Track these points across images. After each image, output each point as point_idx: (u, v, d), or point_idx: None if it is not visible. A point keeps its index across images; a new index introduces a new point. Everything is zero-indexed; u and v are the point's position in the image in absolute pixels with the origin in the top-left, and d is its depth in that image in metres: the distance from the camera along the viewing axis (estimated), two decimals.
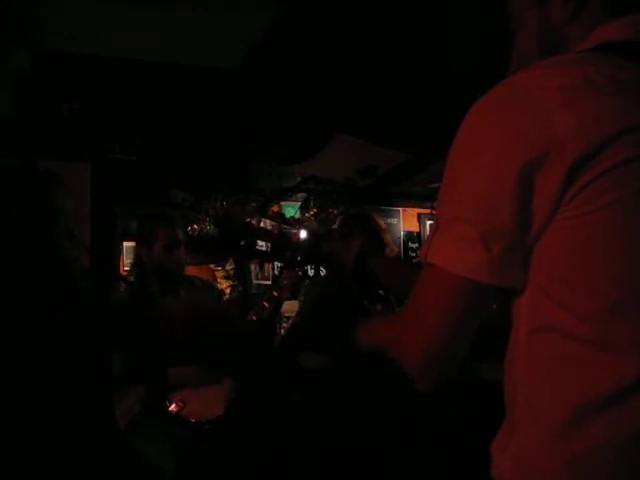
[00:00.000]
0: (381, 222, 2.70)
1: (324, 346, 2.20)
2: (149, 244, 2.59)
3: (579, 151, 0.67)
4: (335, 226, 2.51)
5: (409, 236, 5.09)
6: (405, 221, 5.09)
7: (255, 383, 2.36)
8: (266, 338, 2.57)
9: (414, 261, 4.56)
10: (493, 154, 0.72)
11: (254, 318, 2.47)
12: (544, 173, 0.69)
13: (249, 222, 2.03)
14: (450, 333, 0.76)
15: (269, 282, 4.39)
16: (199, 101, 3.17)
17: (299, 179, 4.41)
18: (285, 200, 4.60)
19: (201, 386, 2.34)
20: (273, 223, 2.01)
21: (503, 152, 0.71)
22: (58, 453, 1.31)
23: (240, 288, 4.20)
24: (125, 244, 3.93)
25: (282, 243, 1.64)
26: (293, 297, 2.60)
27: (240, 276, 4.24)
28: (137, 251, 2.69)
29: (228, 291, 4.11)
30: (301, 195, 4.53)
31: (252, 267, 4.40)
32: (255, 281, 4.47)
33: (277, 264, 4.30)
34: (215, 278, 4.14)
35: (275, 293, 2.52)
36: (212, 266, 4.20)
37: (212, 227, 3.55)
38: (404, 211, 5.08)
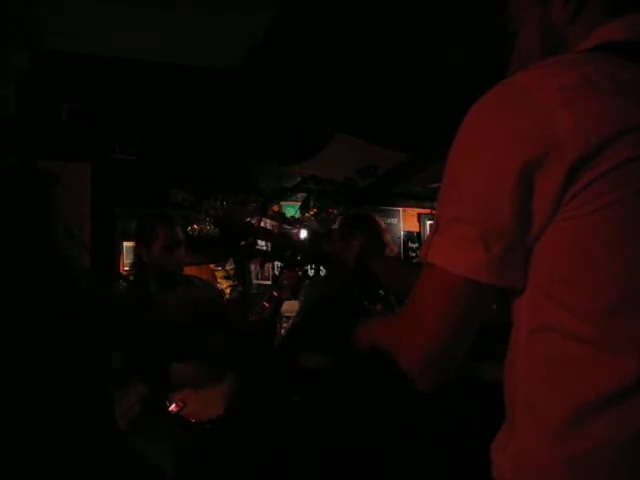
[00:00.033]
0: (381, 222, 2.70)
1: (324, 346, 2.20)
2: (149, 244, 2.59)
3: (579, 151, 0.67)
4: (335, 226, 2.50)
5: (409, 236, 5.09)
6: (405, 221, 5.10)
7: (255, 383, 2.36)
8: (266, 338, 2.57)
9: (414, 261, 4.56)
10: (493, 154, 0.72)
11: (254, 318, 2.47)
12: (544, 173, 0.69)
13: (249, 222, 2.03)
14: (450, 333, 0.76)
15: (269, 282, 4.39)
16: (199, 101, 3.17)
17: (299, 179, 4.42)
18: (285, 200, 4.60)
19: (201, 386, 2.34)
20: (273, 223, 2.01)
21: (503, 152, 0.71)
22: (58, 453, 1.31)
23: (240, 288, 4.20)
24: (125, 244, 3.93)
25: (282, 243, 1.64)
26: (293, 297, 2.60)
27: (240, 276, 4.24)
28: (137, 251, 2.69)
29: (228, 291, 4.11)
30: (301, 195, 4.53)
31: (252, 267, 4.40)
32: (255, 281, 4.47)
33: (277, 264, 4.30)
34: (215, 278, 4.14)
35: (275, 293, 2.52)
36: (212, 266, 4.20)
37: (212, 227, 3.56)
38: (404, 211, 5.08)
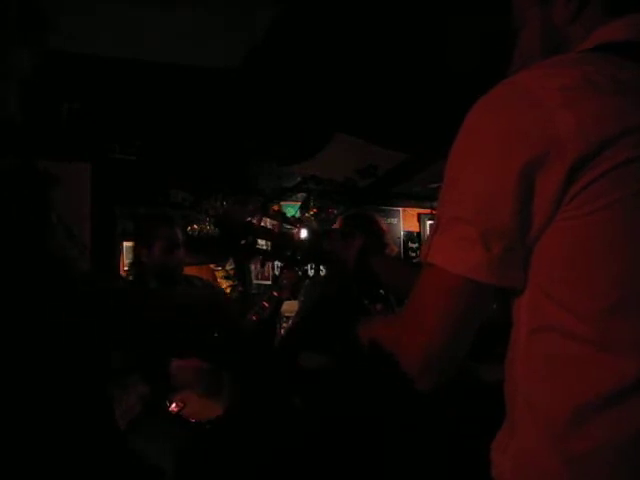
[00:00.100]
0: (382, 222, 2.70)
1: (324, 346, 2.20)
2: (149, 244, 2.59)
3: (579, 151, 0.67)
4: (335, 226, 2.50)
5: (409, 236, 5.09)
6: (405, 221, 5.10)
7: (255, 383, 2.36)
8: (266, 338, 2.57)
9: (414, 261, 4.56)
10: (494, 154, 0.72)
11: (254, 318, 2.47)
12: (545, 173, 0.69)
13: (250, 221, 2.02)
14: (450, 333, 0.76)
15: (269, 282, 4.39)
16: (199, 101, 3.17)
17: (299, 179, 4.42)
18: (285, 200, 4.60)
19: (202, 390, 2.34)
20: (274, 222, 2.01)
21: (504, 152, 0.71)
22: (58, 453, 1.31)
23: (240, 288, 4.20)
24: (125, 244, 3.93)
25: (282, 242, 1.64)
26: (293, 297, 2.60)
27: (240, 276, 4.24)
28: (136, 251, 2.69)
29: (228, 291, 4.11)
30: (301, 195, 4.53)
31: (252, 267, 4.40)
32: (255, 281, 4.47)
33: (277, 264, 4.30)
34: (215, 278, 4.14)
35: (275, 293, 2.52)
36: (212, 266, 4.20)
37: (212, 227, 3.56)
38: (404, 211, 5.08)
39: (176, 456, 2.10)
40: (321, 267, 2.29)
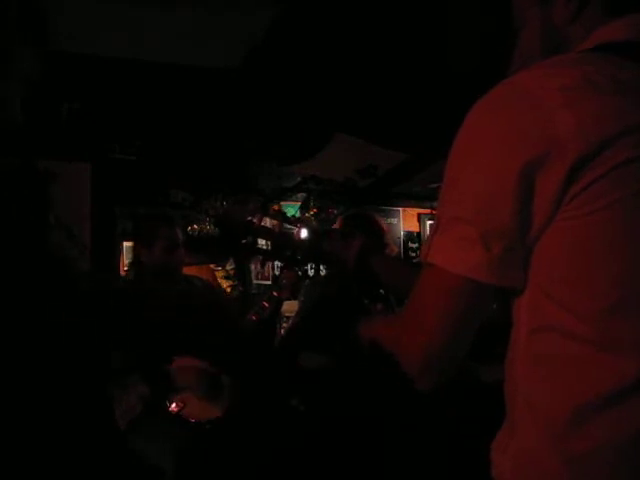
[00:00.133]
0: (382, 222, 2.70)
1: (324, 346, 2.20)
2: (149, 244, 2.59)
3: (579, 151, 0.67)
4: (335, 226, 2.50)
5: (409, 236, 5.09)
6: (405, 221, 5.10)
7: (255, 383, 2.36)
8: (266, 338, 2.57)
9: (414, 261, 4.56)
10: (494, 154, 0.72)
11: (254, 318, 2.47)
12: (545, 173, 0.69)
13: (250, 220, 2.02)
14: (450, 333, 0.76)
15: (269, 282, 4.39)
16: (199, 101, 3.17)
17: (299, 179, 4.42)
18: (285, 200, 4.60)
19: (203, 391, 2.34)
20: (274, 222, 2.01)
21: (504, 152, 0.71)
22: (58, 453, 1.31)
23: (240, 288, 4.20)
24: (125, 244, 3.93)
25: (283, 241, 1.64)
26: (293, 297, 2.60)
27: (240, 276, 4.24)
28: (136, 251, 2.69)
29: (228, 291, 4.11)
30: (301, 195, 4.53)
31: (252, 267, 4.40)
32: (255, 281, 4.47)
33: (277, 264, 4.31)
34: (215, 278, 4.14)
35: (275, 293, 2.52)
36: (212, 266, 4.20)
37: (212, 227, 3.56)
38: (404, 211, 5.08)
39: (176, 456, 2.10)
40: (321, 267, 2.28)
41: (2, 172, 1.18)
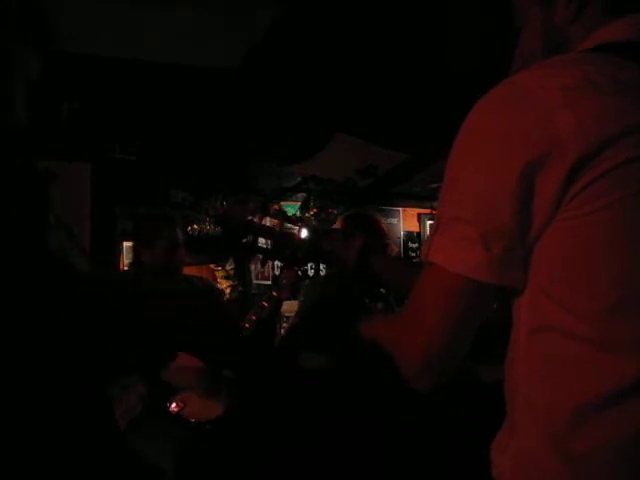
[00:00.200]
0: (382, 222, 2.70)
1: (324, 346, 2.20)
2: (149, 244, 2.59)
3: (580, 151, 0.67)
4: (336, 226, 2.50)
5: (409, 236, 5.09)
6: (405, 221, 5.09)
7: (255, 383, 2.36)
8: (266, 338, 2.57)
9: (414, 261, 4.56)
10: (494, 154, 0.72)
11: (254, 318, 2.47)
12: (545, 173, 0.69)
13: (251, 219, 2.02)
14: (450, 333, 0.76)
15: (269, 282, 4.39)
16: (199, 101, 3.17)
17: (299, 179, 4.42)
18: (285, 200, 4.60)
19: (203, 390, 2.34)
20: (274, 221, 2.01)
21: (504, 152, 0.71)
22: (58, 453, 1.31)
23: (240, 288, 4.20)
24: (125, 244, 3.93)
25: (283, 241, 1.64)
26: (293, 297, 2.60)
27: (240, 276, 4.23)
28: (136, 251, 2.69)
29: (228, 291, 4.11)
30: (301, 195, 4.53)
31: (252, 267, 4.40)
32: (255, 281, 4.47)
33: (277, 264, 4.30)
34: (215, 278, 4.14)
35: (275, 293, 2.52)
36: (212, 266, 4.20)
37: (212, 227, 3.56)
38: (404, 211, 5.08)
39: (176, 456, 2.10)
40: (321, 267, 2.28)
41: (2, 172, 1.18)
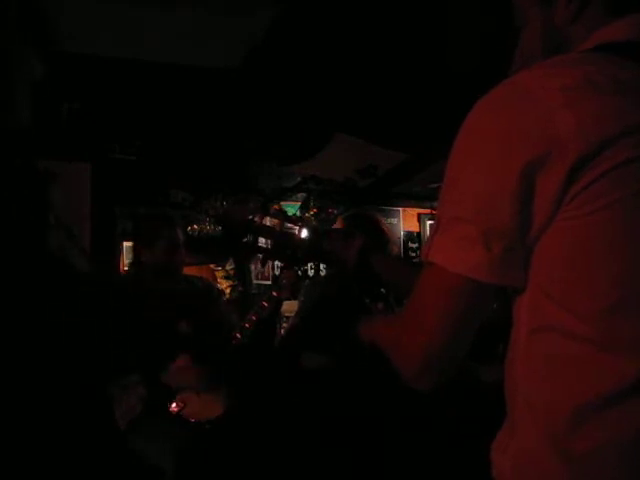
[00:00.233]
0: (383, 223, 2.70)
1: (324, 346, 2.20)
2: (149, 244, 2.59)
3: (580, 151, 0.67)
4: (336, 226, 2.50)
5: (409, 236, 5.09)
6: (405, 221, 5.09)
7: (255, 383, 2.36)
8: (266, 338, 2.57)
9: (414, 261, 4.57)
10: (494, 154, 0.72)
11: (254, 318, 2.47)
12: (545, 173, 0.69)
13: (251, 219, 2.02)
14: (450, 333, 0.76)
15: (269, 282, 4.39)
16: (199, 101, 3.17)
17: (299, 179, 4.41)
18: (285, 200, 4.60)
19: (202, 390, 2.34)
20: (275, 221, 2.01)
21: (504, 152, 0.71)
22: (58, 453, 1.31)
23: (240, 288, 4.20)
24: (125, 244, 3.93)
25: (284, 240, 1.64)
26: (293, 297, 2.60)
27: (240, 276, 4.23)
28: (136, 251, 2.69)
29: (228, 291, 4.11)
30: (301, 195, 4.53)
31: (252, 267, 4.40)
32: (255, 281, 4.47)
33: (277, 264, 4.30)
34: (215, 278, 4.14)
35: (275, 293, 2.52)
36: (212, 266, 4.20)
37: (212, 227, 3.56)
38: (404, 211, 5.08)
39: (176, 456, 2.10)
40: (321, 267, 2.28)
41: (2, 172, 1.18)
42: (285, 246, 1.62)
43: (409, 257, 4.95)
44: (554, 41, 0.84)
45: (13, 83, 1.20)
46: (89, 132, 3.52)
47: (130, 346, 2.19)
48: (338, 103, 3.12)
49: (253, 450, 2.08)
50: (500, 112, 0.73)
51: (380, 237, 2.54)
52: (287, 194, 4.58)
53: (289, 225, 1.96)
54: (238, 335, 2.43)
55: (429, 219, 5.02)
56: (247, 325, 2.45)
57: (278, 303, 2.56)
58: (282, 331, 3.17)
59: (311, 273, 2.58)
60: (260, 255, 3.39)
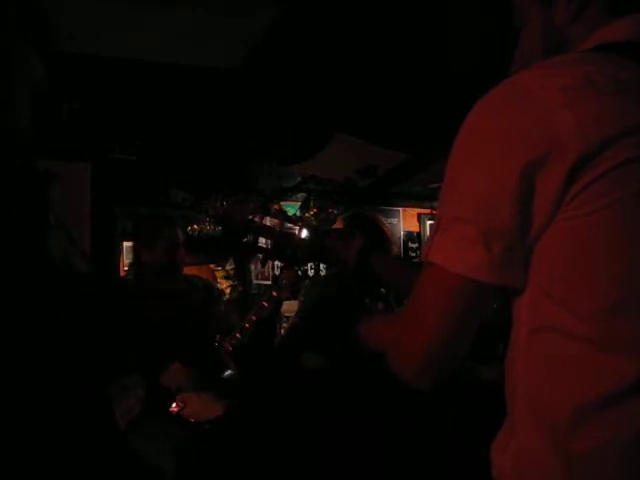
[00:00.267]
0: (384, 223, 2.70)
1: (324, 346, 2.20)
2: (150, 244, 2.59)
3: (580, 151, 0.67)
4: (336, 226, 2.51)
5: (409, 236, 5.09)
6: (405, 221, 5.09)
7: (255, 383, 2.36)
8: (266, 338, 2.57)
9: (414, 261, 4.56)
10: (494, 154, 0.72)
11: (253, 318, 2.47)
12: (545, 173, 0.69)
13: (251, 219, 2.03)
14: (450, 333, 0.76)
15: (269, 282, 4.39)
16: (199, 101, 3.17)
17: (299, 179, 4.41)
18: (285, 200, 4.60)
19: (198, 390, 2.34)
20: (275, 221, 2.01)
21: (504, 152, 0.71)
22: (58, 453, 1.31)
23: (240, 288, 4.20)
24: (125, 244, 3.93)
25: (284, 240, 1.64)
26: (293, 297, 2.60)
27: (240, 276, 4.23)
28: (136, 251, 2.69)
29: (228, 291, 4.11)
30: (301, 195, 4.53)
31: (252, 267, 4.40)
32: (255, 281, 4.47)
33: (277, 264, 4.30)
34: (215, 278, 4.14)
35: (275, 293, 2.52)
36: (212, 266, 4.20)
37: (212, 227, 3.56)
38: (404, 211, 5.08)
39: (176, 456, 2.10)
40: (321, 267, 2.28)
41: (2, 172, 1.18)
42: (285, 246, 1.62)
43: (409, 257, 4.95)
44: (554, 41, 0.84)
45: (13, 83, 1.20)
46: (89, 132, 3.52)
47: (130, 346, 2.19)
48: (338, 103, 3.11)
49: (253, 450, 2.08)
50: (500, 112, 0.73)
51: (380, 237, 2.54)
52: (287, 194, 4.58)
53: (289, 225, 1.97)
54: (238, 335, 2.44)
55: (429, 219, 5.02)
56: (247, 325, 2.45)
57: (278, 303, 2.56)
58: (282, 331, 3.17)
59: (311, 273, 2.58)
60: (260, 255, 3.39)
